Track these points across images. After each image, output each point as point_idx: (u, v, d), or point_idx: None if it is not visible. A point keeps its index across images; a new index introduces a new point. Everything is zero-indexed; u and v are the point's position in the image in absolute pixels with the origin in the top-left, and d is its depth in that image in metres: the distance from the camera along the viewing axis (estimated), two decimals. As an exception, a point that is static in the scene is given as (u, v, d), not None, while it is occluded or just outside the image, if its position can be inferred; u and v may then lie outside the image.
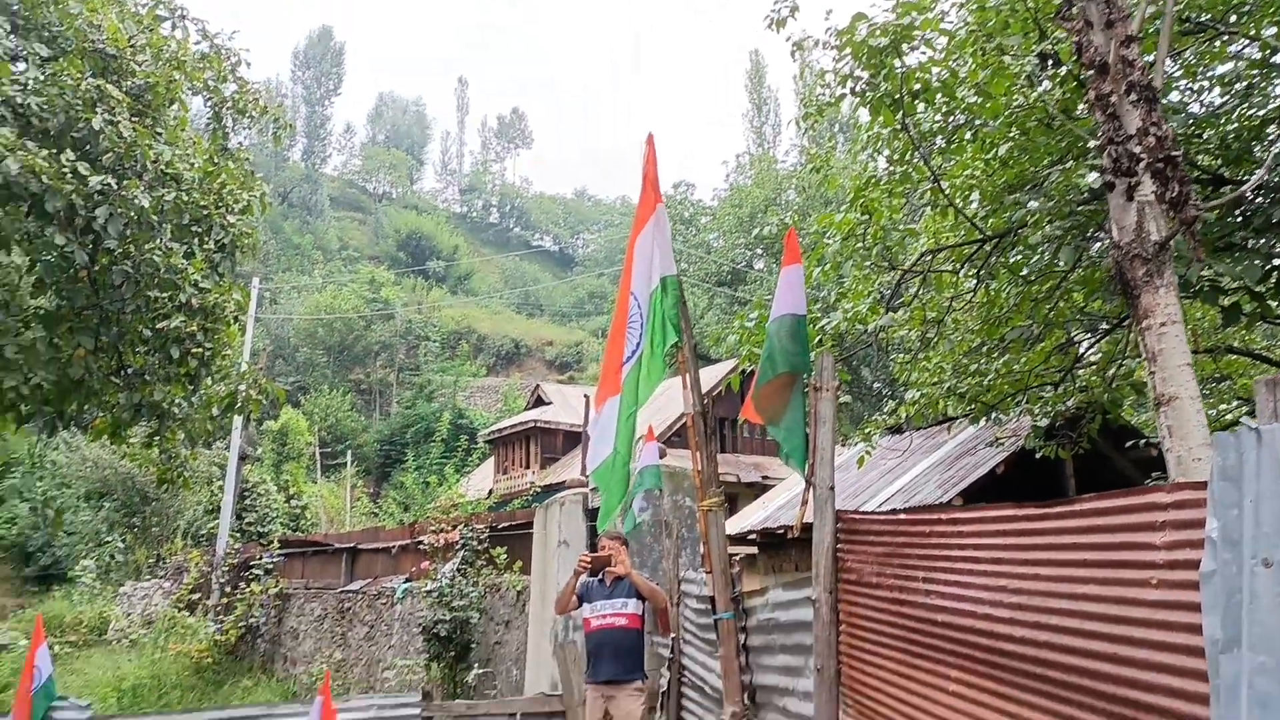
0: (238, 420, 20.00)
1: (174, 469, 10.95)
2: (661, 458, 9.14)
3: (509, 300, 73.30)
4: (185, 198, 8.89)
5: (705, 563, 5.88)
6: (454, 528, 14.76)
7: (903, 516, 3.47)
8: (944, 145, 7.05)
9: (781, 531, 11.21)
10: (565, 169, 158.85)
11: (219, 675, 18.61)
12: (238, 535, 23.03)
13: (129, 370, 9.60)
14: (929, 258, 7.28)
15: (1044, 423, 7.81)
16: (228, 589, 20.85)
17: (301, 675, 17.53)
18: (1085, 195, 6.24)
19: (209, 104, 10.08)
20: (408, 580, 15.77)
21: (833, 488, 4.14)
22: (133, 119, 8.47)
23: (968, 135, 6.83)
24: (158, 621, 21.33)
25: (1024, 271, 6.92)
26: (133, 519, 31.10)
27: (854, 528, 3.93)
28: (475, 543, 13.92)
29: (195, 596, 21.90)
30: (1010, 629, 2.65)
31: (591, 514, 10.29)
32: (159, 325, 9.19)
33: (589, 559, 6.98)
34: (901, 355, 9.08)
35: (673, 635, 8.23)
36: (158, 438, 10.49)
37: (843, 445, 12.15)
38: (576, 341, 62.44)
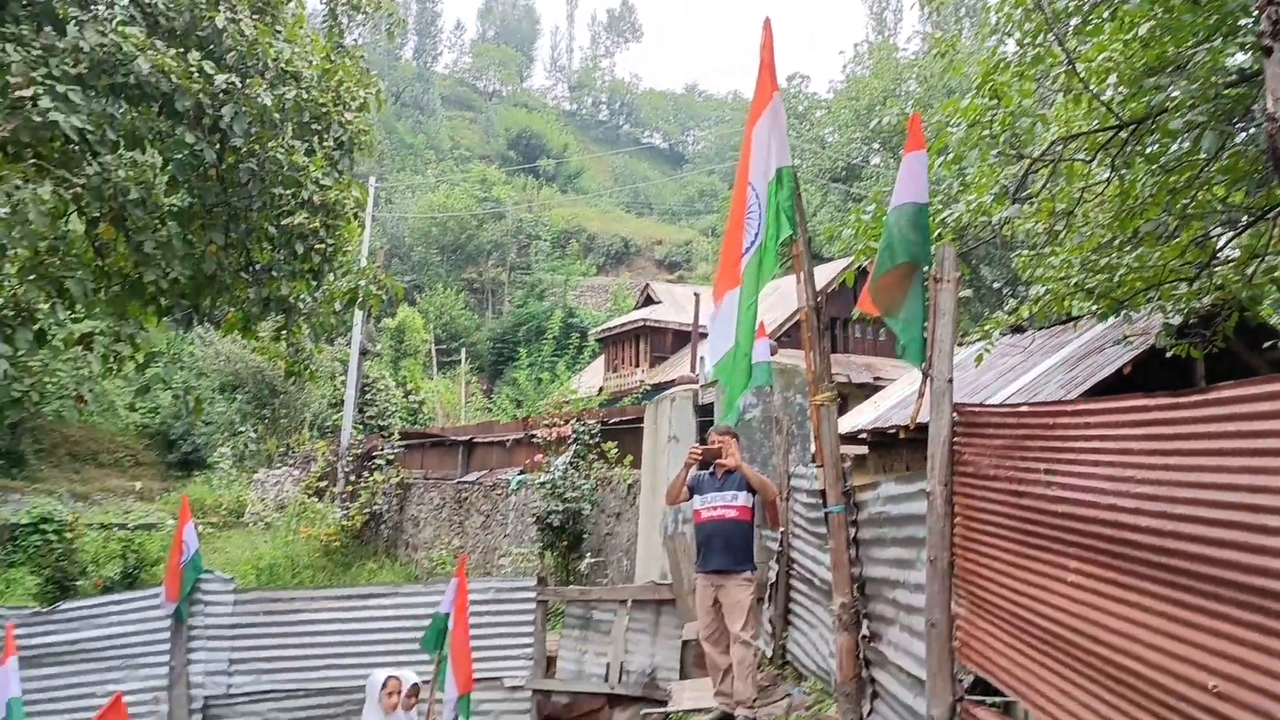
0: (358, 316, 20.70)
1: (300, 362, 11.41)
2: (772, 355, 9.11)
3: (618, 199, 73.13)
4: (305, 95, 9.05)
5: (816, 458, 5.89)
6: (566, 422, 15.10)
7: (1025, 409, 3.39)
8: (1079, 25, 6.64)
9: (893, 431, 11.10)
10: (675, 64, 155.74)
11: (346, 558, 19.69)
12: (360, 428, 24.03)
13: (257, 266, 9.96)
14: (1059, 146, 6.93)
15: (1176, 320, 7.46)
16: (352, 478, 21.87)
17: (422, 560, 18.39)
18: (1232, 77, 5.83)
19: (324, 1, 10.17)
20: (522, 472, 16.27)
21: (951, 380, 4.06)
22: (253, 17, 8.61)
23: (1105, 14, 6.41)
24: (289, 506, 22.58)
25: (1162, 161, 6.54)
26: (263, 410, 32.75)
27: (972, 421, 3.87)
28: (587, 437, 14.23)
29: (323, 484, 23.07)
30: (1135, 519, 2.59)
31: (701, 410, 10.37)
32: (284, 222, 9.48)
33: (699, 451, 7.03)
34: (1025, 252, 8.74)
35: (781, 529, 8.32)
36: (285, 332, 10.91)
37: (960, 344, 11.87)
38: (686, 240, 62.10)
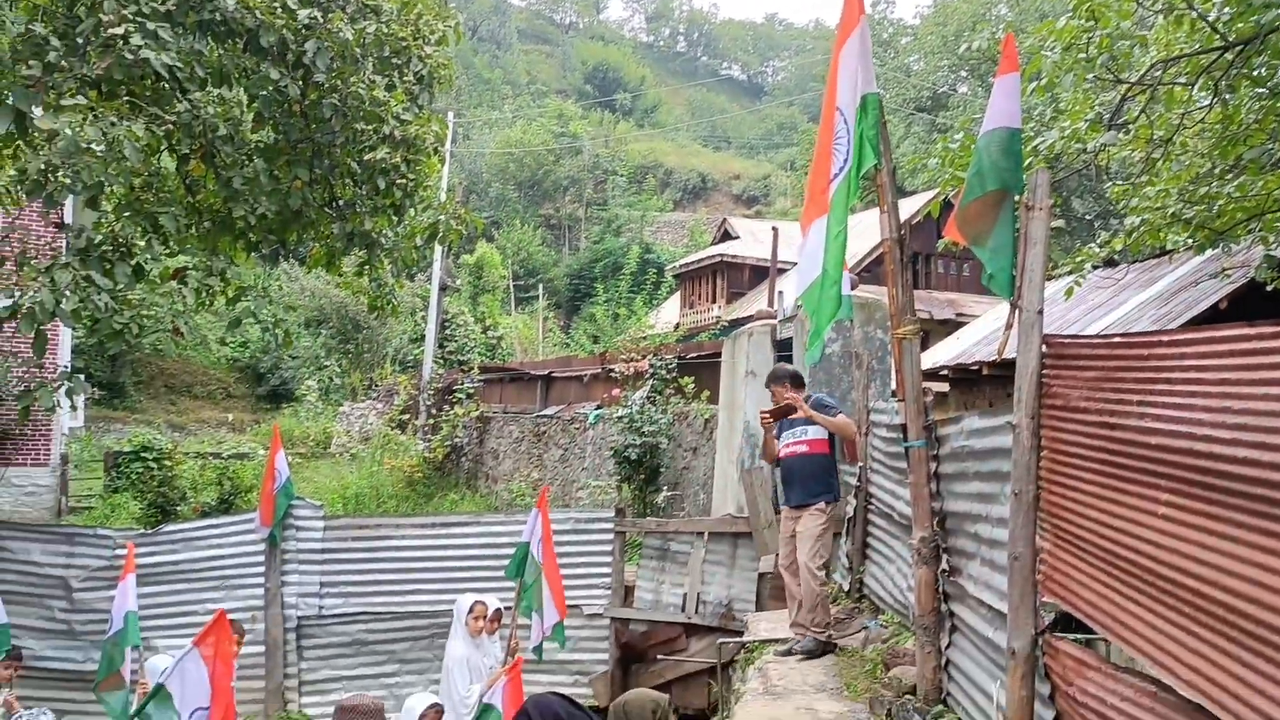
0: (438, 251, 20.96)
1: (383, 296, 11.61)
2: (853, 289, 8.98)
3: (696, 133, 72.24)
4: (385, 29, 9.09)
5: (897, 392, 5.83)
6: (643, 357, 15.17)
7: (1118, 339, 3.30)
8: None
9: (975, 367, 10.92)
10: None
11: (428, 488, 20.21)
12: (440, 362, 24.46)
13: (340, 202, 10.12)
14: (1159, 70, 6.62)
15: (1278, 252, 7.15)
16: (433, 411, 22.34)
17: (502, 492, 18.78)
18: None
19: (402, -67, 10.13)
20: (599, 407, 16.43)
21: (1040, 312, 3.96)
22: (332, -50, 8.64)
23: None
24: (373, 438, 23.19)
25: (1270, 84, 6.21)
26: (347, 345, 33.55)
27: (1062, 352, 3.78)
28: (664, 372, 14.28)
29: (405, 417, 23.61)
30: (1231, 450, 2.52)
31: (779, 345, 10.31)
32: (366, 157, 9.59)
33: (769, 414, 7.20)
34: (1119, 184, 8.42)
35: (860, 464, 8.29)
36: (367, 267, 11.10)
37: (1049, 278, 11.56)
38: (764, 175, 61.19)
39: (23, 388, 8.64)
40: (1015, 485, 3.88)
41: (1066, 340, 3.81)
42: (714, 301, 27.77)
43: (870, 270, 21.85)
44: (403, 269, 11.27)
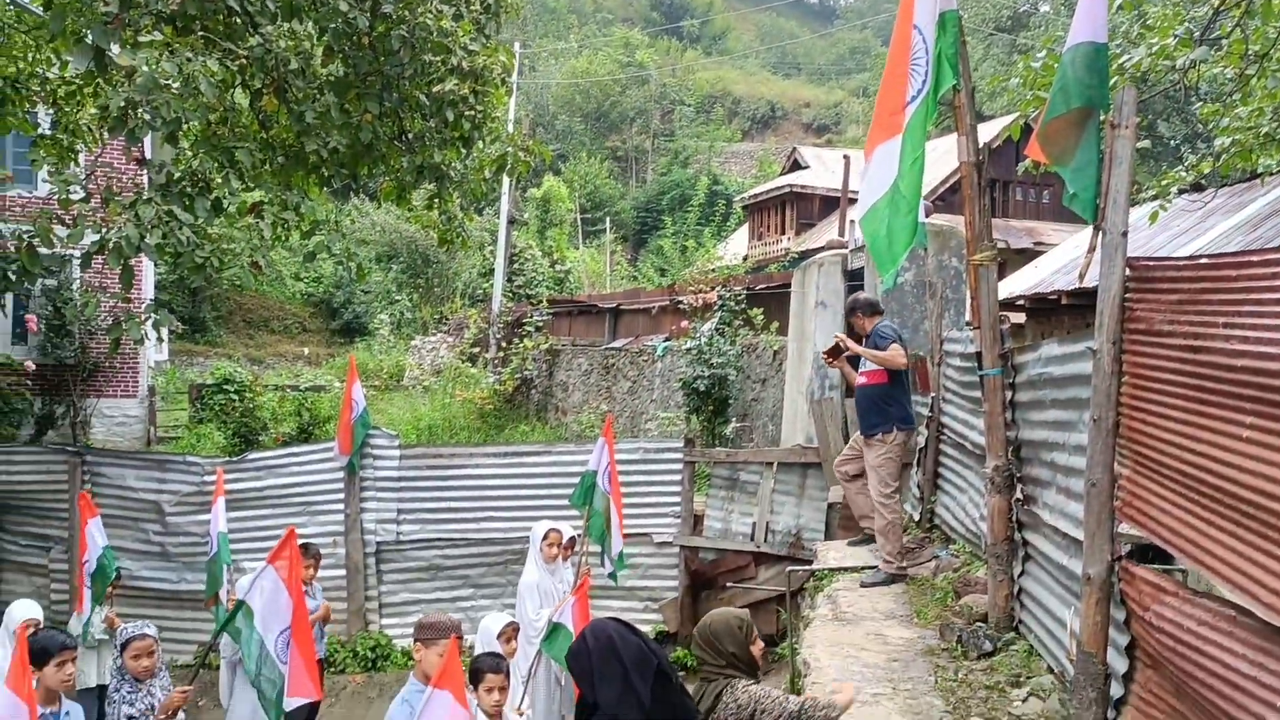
0: (506, 185, 21.00)
1: (453, 230, 11.70)
2: (927, 216, 8.81)
3: (765, 59, 70.75)
4: (451, -41, 9.03)
5: (973, 319, 5.74)
6: (712, 289, 15.10)
7: (1206, 260, 3.19)
8: None
9: (1053, 296, 10.66)
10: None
11: (499, 420, 20.52)
12: (509, 296, 24.65)
13: (409, 135, 10.17)
14: (1257, -20, 6.28)
15: (1380, 173, 6.81)
16: (503, 344, 22.60)
17: (571, 424, 19.00)
18: None
19: None
20: (667, 339, 16.46)
21: (1125, 234, 3.84)
22: (397, -122, 8.57)
23: None
24: (444, 371, 23.57)
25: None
26: (417, 280, 33.97)
27: (1146, 275, 3.67)
28: (733, 304, 14.22)
29: (475, 350, 23.92)
30: (1326, 373, 2.45)
31: (850, 275, 10.19)
32: (434, 89, 9.60)
33: (826, 353, 7.55)
34: (1208, 104, 8.05)
35: (932, 394, 8.21)
36: (437, 200, 11.19)
37: (1133, 203, 11.17)
38: (835, 102, 59.84)
39: (112, 321, 8.94)
40: (1094, 411, 3.82)
41: (1151, 262, 3.70)
42: (783, 233, 27.43)
43: (944, 199, 21.34)
44: (471, 202, 11.33)
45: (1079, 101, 4.05)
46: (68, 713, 5.04)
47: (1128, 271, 3.78)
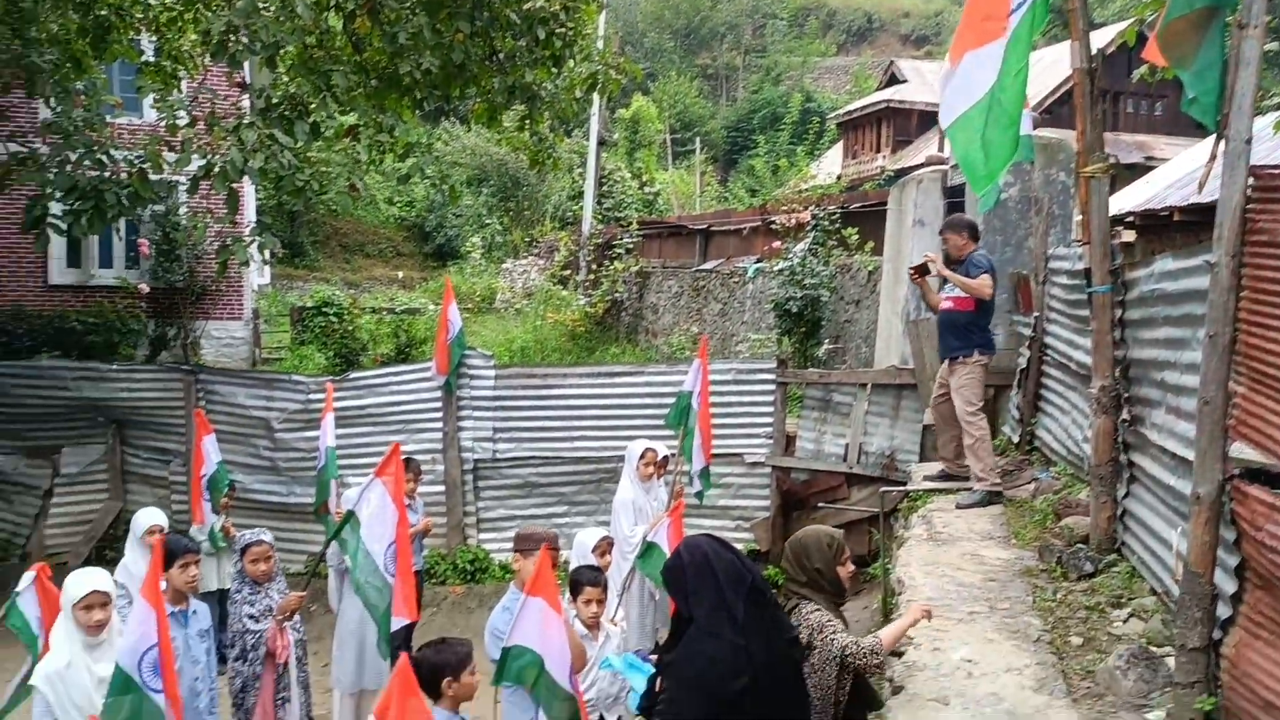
0: (596, 106, 20.83)
1: (543, 151, 11.70)
2: (1033, 129, 8.47)
3: (861, -31, 68.05)
4: None
5: (1083, 234, 5.54)
6: (805, 209, 14.84)
7: (1342, 165, 3.01)
8: None
9: (1166, 212, 10.20)
10: None
11: (589, 342, 20.68)
12: (599, 218, 24.62)
13: (500, 54, 10.14)
14: None
15: None
16: (593, 267, 22.65)
17: (661, 345, 19.05)
18: None
19: None
20: (759, 260, 16.28)
21: (1249, 141, 3.63)
22: None
23: None
24: (535, 294, 23.78)
25: None
26: (508, 203, 34.13)
27: (1271, 184, 3.47)
28: (826, 223, 13.96)
29: (565, 273, 24.05)
30: None
31: (950, 192, 9.89)
32: (525, 7, 9.54)
33: (915, 270, 7.44)
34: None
35: (1035, 313, 7.99)
36: (528, 120, 11.18)
37: (1258, 111, 10.55)
38: (935, 11, 57.33)
39: (219, 245, 9.23)
40: (1210, 327, 3.67)
41: (1276, 171, 3.51)
42: (878, 151, 26.72)
43: (1049, 111, 20.47)
44: (561, 123, 11.28)
45: (1202, 1, 3.81)
46: (195, 611, 5.39)
47: (1251, 181, 3.59)
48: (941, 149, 17.51)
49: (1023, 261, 8.75)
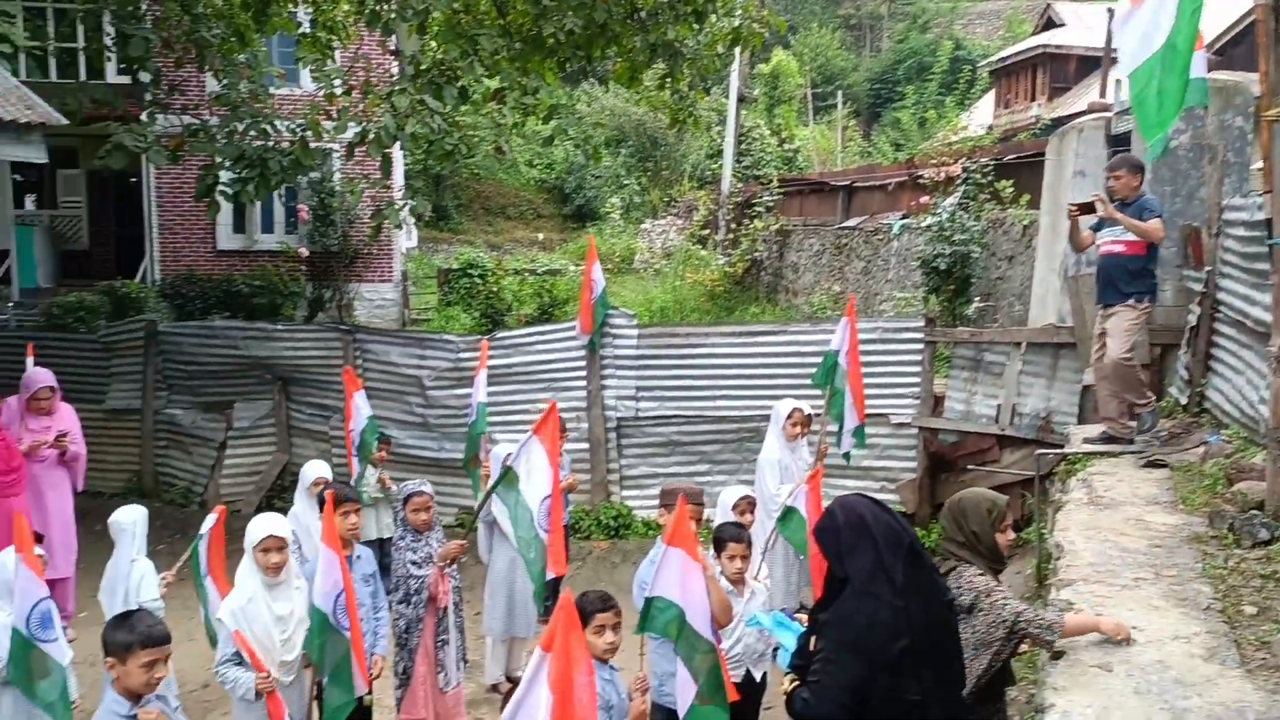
0: (735, 63, 20.57)
1: (684, 109, 11.64)
2: (1208, 71, 7.92)
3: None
4: None
5: (1265, 183, 5.17)
6: (955, 161, 14.32)
7: None
8: None
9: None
10: None
11: (729, 301, 20.58)
12: (738, 176, 24.37)
13: (642, 13, 10.11)
14: None
15: None
16: (732, 226, 22.47)
17: (802, 305, 18.79)
18: None
19: None
20: (904, 216, 15.82)
21: None
22: None
23: None
24: (675, 254, 23.78)
25: None
26: (646, 163, 34.15)
27: None
28: (978, 176, 13.44)
29: (705, 233, 23.94)
30: None
31: (1114, 140, 9.37)
32: (666, -39, 9.47)
33: (1077, 206, 7.09)
34: None
35: (1207, 268, 7.52)
36: (669, 79, 11.12)
37: None
38: (1095, -49, 54.20)
39: (373, 210, 9.59)
40: None
41: None
42: (1033, 99, 25.50)
43: (1222, 53, 19.08)
44: (702, 79, 11.18)
45: None
46: (359, 556, 5.74)
47: None
48: (1103, 95, 16.56)
49: (1193, 213, 8.24)
